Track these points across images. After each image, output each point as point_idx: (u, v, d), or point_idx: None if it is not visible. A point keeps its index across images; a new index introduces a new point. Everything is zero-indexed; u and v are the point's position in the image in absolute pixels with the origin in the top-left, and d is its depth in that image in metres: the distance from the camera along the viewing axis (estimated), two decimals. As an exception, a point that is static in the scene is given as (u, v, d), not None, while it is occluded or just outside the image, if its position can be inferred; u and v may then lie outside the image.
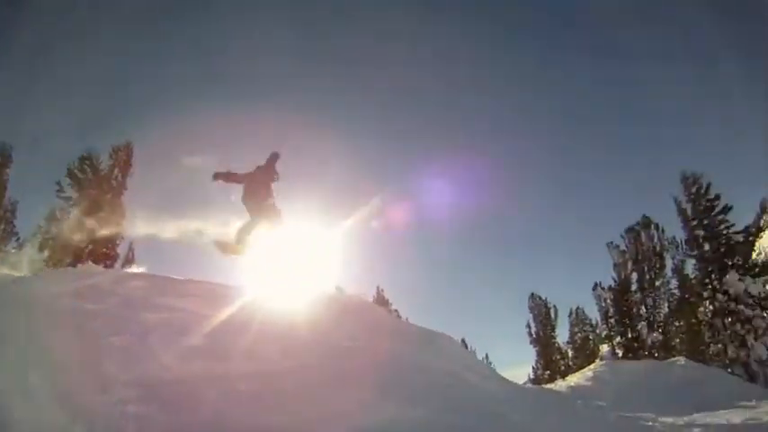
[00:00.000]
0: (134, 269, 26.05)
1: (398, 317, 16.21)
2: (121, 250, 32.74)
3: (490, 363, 36.32)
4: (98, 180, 31.69)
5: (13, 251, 29.26)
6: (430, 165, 69.76)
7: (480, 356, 37.76)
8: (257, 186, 14.29)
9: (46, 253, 27.66)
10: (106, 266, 25.81)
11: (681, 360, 22.96)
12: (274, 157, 14.60)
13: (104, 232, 28.79)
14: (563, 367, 39.61)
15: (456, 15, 67.17)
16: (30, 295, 10.64)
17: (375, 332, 11.34)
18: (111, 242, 30.86)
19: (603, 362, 26.70)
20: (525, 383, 31.47)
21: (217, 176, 14.37)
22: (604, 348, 37.85)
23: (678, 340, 34.82)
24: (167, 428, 6.58)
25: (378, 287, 42.03)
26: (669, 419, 10.59)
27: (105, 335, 8.77)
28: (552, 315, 42.14)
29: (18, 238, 31.88)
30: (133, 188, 32.97)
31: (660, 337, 35.09)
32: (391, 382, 8.77)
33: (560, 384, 22.45)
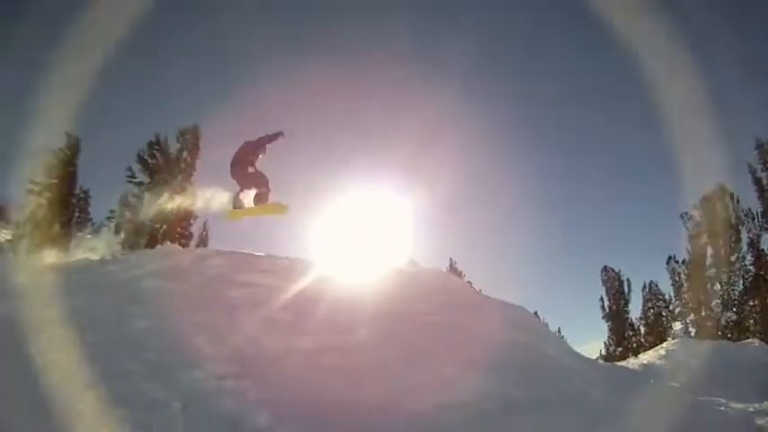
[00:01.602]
0: (210, 247, 26.39)
1: (472, 288, 16.07)
2: (195, 230, 33.33)
3: (562, 337, 35.46)
4: (168, 164, 32.36)
5: (89, 237, 30.05)
6: (503, 135, 68.76)
7: (553, 330, 36.93)
8: (239, 159, 14.79)
9: (122, 236, 28.32)
10: (182, 245, 26.21)
11: (754, 342, 22.28)
12: (270, 137, 14.85)
13: (177, 213, 29.34)
14: (635, 344, 37.63)
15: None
16: (112, 278, 10.92)
17: (452, 305, 11.28)
18: (184, 222, 31.49)
19: (676, 340, 25.97)
20: (596, 359, 30.85)
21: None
22: (677, 326, 36.65)
23: (752, 321, 33.47)
24: (259, 401, 6.70)
25: (451, 259, 41.63)
26: (740, 405, 10.32)
27: (191, 313, 9.01)
28: (625, 289, 39.80)
29: (93, 224, 32.73)
30: (202, 168, 33.47)
31: (734, 317, 33.82)
32: (472, 355, 8.76)
33: (632, 362, 22.00)
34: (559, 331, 38.67)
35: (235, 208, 15.07)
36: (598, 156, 73.49)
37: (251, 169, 14.95)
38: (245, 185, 15.07)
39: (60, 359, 7.16)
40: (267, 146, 14.99)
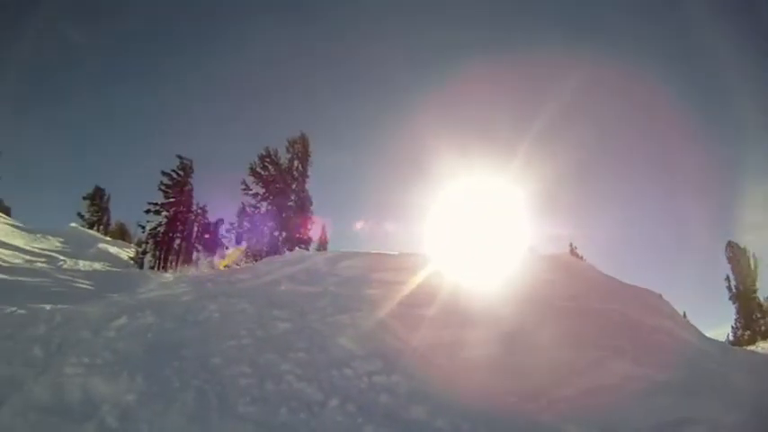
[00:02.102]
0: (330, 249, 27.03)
1: (601, 272, 15.84)
2: (313, 233, 34.22)
3: (688, 321, 33.85)
4: (281, 173, 32.87)
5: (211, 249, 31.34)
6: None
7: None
8: None
9: (243, 246, 29.33)
10: (303, 249, 26.97)
11: None
12: None
13: (295, 220, 30.24)
14: (764, 327, 34.79)
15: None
16: (245, 285, 11.25)
17: (585, 290, 11.09)
18: (302, 227, 32.16)
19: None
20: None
21: None
22: (809, 307, 34.42)
23: None
24: (412, 395, 6.76)
25: (571, 244, 40.94)
26: None
27: (332, 313, 9.18)
28: (752, 266, 36.23)
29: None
30: (314, 175, 34.38)
31: None
32: (613, 340, 8.63)
33: (762, 346, 21.18)
34: (685, 315, 37.22)
35: None
36: (712, 124, 70.50)
37: None
38: None
39: (213, 363, 7.47)
40: None
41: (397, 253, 13.34)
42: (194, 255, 32.15)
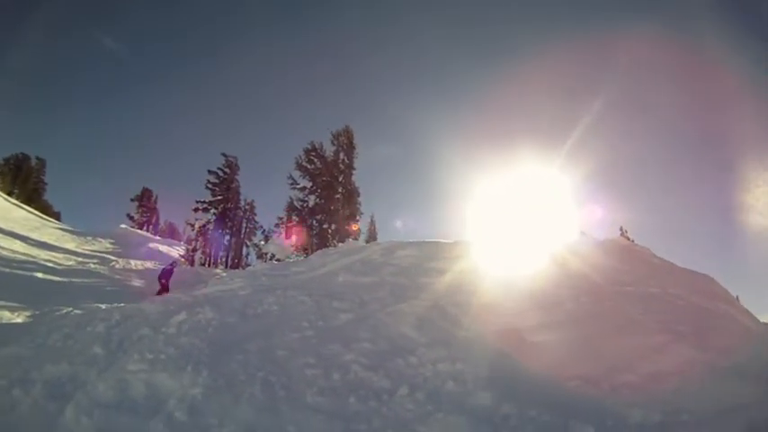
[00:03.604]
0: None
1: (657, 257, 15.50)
2: (362, 225, 34.43)
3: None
4: (327, 166, 32.85)
5: (261, 243, 31.57)
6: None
7: (734, 298, 34.69)
8: None
9: (293, 239, 29.44)
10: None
11: None
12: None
13: (343, 212, 30.33)
14: None
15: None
16: (302, 277, 11.22)
17: (642, 274, 10.96)
18: (351, 219, 32.18)
19: None
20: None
21: None
22: None
23: None
24: (479, 381, 6.65)
25: (621, 228, 40.58)
26: None
27: (392, 303, 9.15)
28: None
29: (263, 231, 34.46)
30: (360, 166, 34.53)
31: None
32: (675, 324, 8.48)
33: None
34: (738, 300, 36.61)
35: None
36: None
37: None
38: None
39: (277, 355, 7.40)
40: None
41: (450, 241, 13.23)
42: (244, 250, 32.42)
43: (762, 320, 12.64)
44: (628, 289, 9.86)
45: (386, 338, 7.84)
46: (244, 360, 7.32)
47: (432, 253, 11.81)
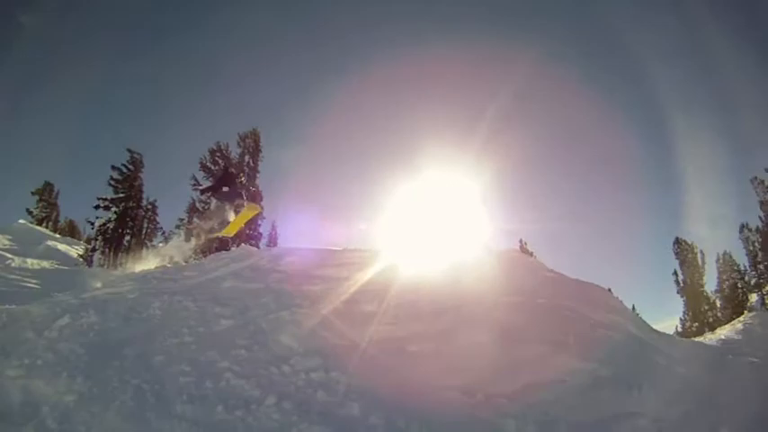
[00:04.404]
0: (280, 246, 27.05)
1: (551, 269, 16.02)
2: (263, 230, 34.14)
3: (638, 315, 34.62)
4: (231, 168, 32.21)
5: (160, 245, 30.96)
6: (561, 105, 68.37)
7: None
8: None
9: (192, 242, 29.03)
10: (252, 246, 26.76)
11: (835, 311, 21.83)
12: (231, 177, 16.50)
13: (245, 215, 30.03)
14: (711, 319, 36.29)
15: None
16: (191, 282, 11.19)
17: (533, 286, 11.32)
18: (252, 224, 31.89)
19: (753, 313, 25.42)
20: (672, 336, 30.23)
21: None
22: (754, 298, 35.78)
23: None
24: (351, 391, 6.83)
25: (521, 240, 41.89)
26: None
27: (275, 310, 9.21)
28: (700, 261, 38.43)
29: (163, 233, 34.11)
30: (265, 170, 34.36)
31: (813, 285, 32.94)
32: (559, 334, 8.80)
33: (710, 338, 21.68)
34: (634, 309, 38.04)
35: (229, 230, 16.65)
36: (661, 126, 71.88)
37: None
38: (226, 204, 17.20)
39: (154, 362, 7.42)
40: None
41: (340, 249, 13.39)
42: (144, 251, 31.80)
43: (657, 328, 13.29)
44: (515, 299, 10.14)
45: (263, 346, 7.91)
46: (120, 366, 7.27)
47: (320, 260, 11.96)
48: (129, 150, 34.38)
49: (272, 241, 34.30)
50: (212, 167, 32.26)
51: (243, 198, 17.21)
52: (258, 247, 28.64)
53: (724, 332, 21.67)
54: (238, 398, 6.58)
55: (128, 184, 33.56)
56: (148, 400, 6.51)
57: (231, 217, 17.67)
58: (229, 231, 17.80)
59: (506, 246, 32.22)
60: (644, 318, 13.78)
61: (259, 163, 34.79)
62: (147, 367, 7.31)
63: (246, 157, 34.36)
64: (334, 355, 7.68)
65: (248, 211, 17.17)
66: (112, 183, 33.21)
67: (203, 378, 6.98)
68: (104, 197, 32.76)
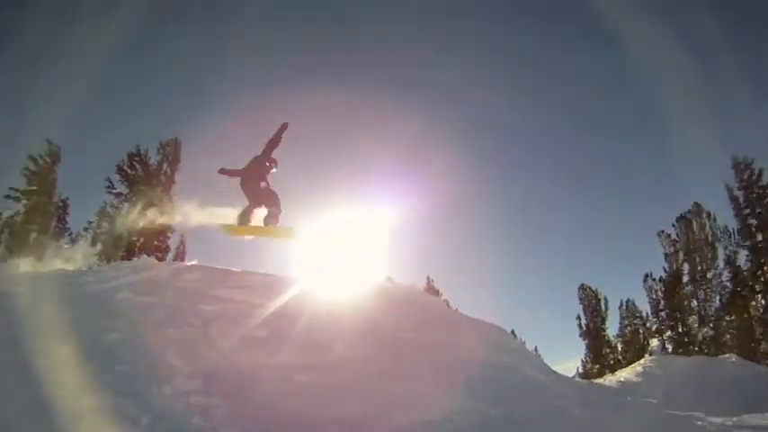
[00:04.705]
0: (187, 262, 26.45)
1: (449, 307, 16.15)
2: (172, 243, 33.49)
3: (539, 355, 35.60)
4: (148, 175, 32.42)
5: (66, 246, 30.04)
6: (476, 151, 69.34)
7: (530, 349, 36.78)
8: (251, 175, 14.22)
9: (99, 247, 28.26)
10: (158, 259, 26.12)
11: (732, 357, 22.66)
12: (275, 137, 14.49)
13: (155, 226, 29.30)
14: (612, 361, 38.49)
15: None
16: (88, 289, 10.82)
17: (428, 323, 11.38)
18: (162, 235, 31.38)
19: (653, 357, 26.27)
20: (574, 377, 30.95)
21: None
22: (654, 343, 37.31)
23: (729, 336, 33.85)
24: (228, 418, 6.69)
25: (428, 277, 43.02)
26: (718, 420, 10.32)
27: (164, 327, 8.96)
28: (602, 307, 40.92)
29: (70, 234, 32.95)
30: (182, 181, 33.73)
31: (711, 333, 34.26)
32: (449, 373, 8.83)
33: (610, 379, 22.26)
34: (536, 350, 38.85)
35: (240, 224, 14.43)
36: (574, 176, 74.06)
37: (263, 184, 14.33)
38: (256, 202, 14.33)
39: (32, 370, 7.07)
40: (274, 151, 14.42)
41: (242, 271, 13.11)
42: (49, 251, 30.74)
43: (558, 369, 13.50)
44: (408, 336, 10.15)
45: (147, 363, 7.64)
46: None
47: (219, 280, 11.72)
48: (49, 141, 33.19)
49: (180, 256, 33.57)
50: (129, 171, 31.60)
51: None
52: (164, 260, 28.11)
53: (624, 374, 22.30)
54: (114, 416, 6.30)
55: (42, 176, 32.40)
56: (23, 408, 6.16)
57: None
58: (238, 232, 15.67)
59: (414, 282, 32.66)
60: (549, 359, 14.09)
61: (177, 173, 34.30)
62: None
63: (165, 166, 33.80)
64: (218, 379, 7.52)
65: (280, 232, 14.98)
66: (27, 173, 32.01)
67: (83, 391, 6.63)
68: (17, 188, 31.57)
